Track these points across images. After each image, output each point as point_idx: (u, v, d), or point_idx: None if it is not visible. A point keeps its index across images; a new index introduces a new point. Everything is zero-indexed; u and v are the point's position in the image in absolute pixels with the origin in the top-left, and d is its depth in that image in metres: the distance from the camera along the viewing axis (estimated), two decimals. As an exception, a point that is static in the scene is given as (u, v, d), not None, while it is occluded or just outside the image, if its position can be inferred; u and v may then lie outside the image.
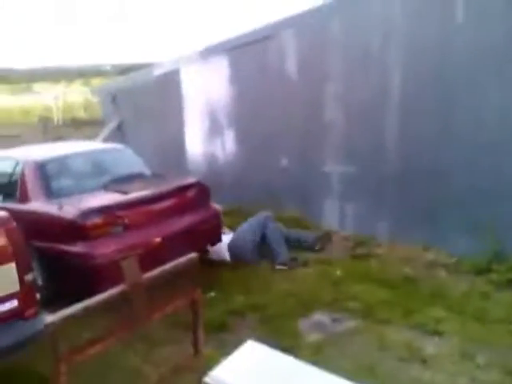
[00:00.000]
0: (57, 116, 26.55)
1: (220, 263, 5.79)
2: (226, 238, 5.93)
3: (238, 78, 7.97)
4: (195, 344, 1.96)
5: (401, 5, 5.64)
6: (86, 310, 1.49)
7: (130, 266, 1.61)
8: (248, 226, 6.05)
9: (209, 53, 8.40)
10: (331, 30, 6.44)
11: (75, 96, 32.06)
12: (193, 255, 1.95)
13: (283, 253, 5.72)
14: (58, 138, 17.38)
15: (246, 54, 7.70)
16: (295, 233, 6.27)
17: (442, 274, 5.20)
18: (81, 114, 27.76)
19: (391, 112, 5.87)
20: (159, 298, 1.80)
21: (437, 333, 3.98)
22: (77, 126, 21.77)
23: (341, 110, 6.49)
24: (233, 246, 5.85)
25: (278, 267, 5.60)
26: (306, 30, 6.80)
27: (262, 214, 6.17)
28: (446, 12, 5.24)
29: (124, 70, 23.89)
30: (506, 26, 4.82)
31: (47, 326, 1.41)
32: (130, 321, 1.64)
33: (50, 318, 1.42)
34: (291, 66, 7.07)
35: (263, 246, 5.91)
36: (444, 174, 5.47)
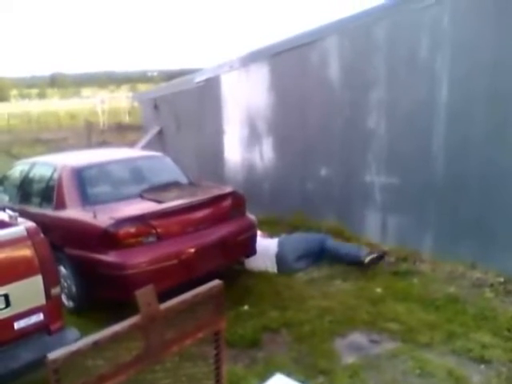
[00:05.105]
0: (102, 120, 27.12)
1: (257, 274, 5.64)
2: (273, 247, 5.84)
3: (278, 84, 7.83)
4: (217, 381, 1.80)
5: (450, 11, 5.37)
6: (95, 344, 1.36)
7: (145, 296, 1.47)
8: (299, 238, 6.20)
9: (249, 59, 8.29)
10: (376, 35, 6.22)
11: (121, 101, 32.74)
12: (217, 282, 1.77)
13: (358, 249, 5.79)
14: (102, 142, 17.72)
15: (287, 61, 7.54)
16: (344, 246, 6.13)
17: (490, 294, 4.90)
18: (125, 119, 28.29)
19: (437, 121, 5.59)
20: (178, 331, 1.66)
21: (483, 360, 3.72)
22: (121, 131, 22.16)
23: (384, 118, 6.25)
24: (281, 255, 5.80)
25: (367, 260, 5.58)
26: (350, 36, 6.60)
27: (320, 235, 6.34)
28: (499, 19, 4.97)
29: (170, 76, 24.19)
30: None
31: (49, 363, 1.29)
32: (145, 356, 1.50)
33: (52, 354, 1.30)
34: (333, 72, 6.88)
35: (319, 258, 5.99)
36: (493, 187, 5.17)
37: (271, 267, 5.75)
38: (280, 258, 5.77)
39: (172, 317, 1.58)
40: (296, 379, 2.48)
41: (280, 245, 5.89)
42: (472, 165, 5.35)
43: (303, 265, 5.84)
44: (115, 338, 1.41)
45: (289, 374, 2.90)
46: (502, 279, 5.04)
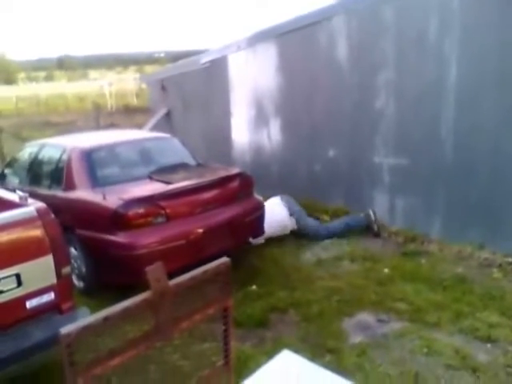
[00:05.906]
0: (110, 103, 27.10)
1: (264, 255, 5.66)
2: (278, 203, 6.31)
3: (285, 65, 7.77)
4: (225, 356, 1.83)
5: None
6: (106, 319, 1.38)
7: (155, 273, 1.49)
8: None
9: (256, 39, 8.23)
10: (384, 15, 6.13)
11: (129, 83, 32.65)
12: (225, 259, 1.80)
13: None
14: (110, 124, 17.72)
15: (295, 41, 7.48)
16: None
17: (498, 274, 4.90)
18: (133, 101, 28.23)
19: (446, 103, 5.54)
20: (187, 307, 1.68)
21: (489, 339, 3.74)
22: (129, 113, 22.14)
23: (392, 99, 6.20)
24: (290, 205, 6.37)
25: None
26: (357, 16, 6.52)
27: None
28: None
29: (177, 58, 24.06)
30: None
31: (62, 337, 1.32)
32: (155, 332, 1.53)
33: (65, 329, 1.32)
34: (341, 52, 6.81)
35: None
36: (503, 168, 5.13)
37: (289, 222, 6.22)
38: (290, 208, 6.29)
39: (181, 294, 1.60)
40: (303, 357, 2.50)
41: (282, 197, 6.45)
42: (480, 148, 5.31)
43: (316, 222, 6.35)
44: (126, 314, 1.44)
45: (296, 353, 2.93)
46: (510, 259, 5.04)
